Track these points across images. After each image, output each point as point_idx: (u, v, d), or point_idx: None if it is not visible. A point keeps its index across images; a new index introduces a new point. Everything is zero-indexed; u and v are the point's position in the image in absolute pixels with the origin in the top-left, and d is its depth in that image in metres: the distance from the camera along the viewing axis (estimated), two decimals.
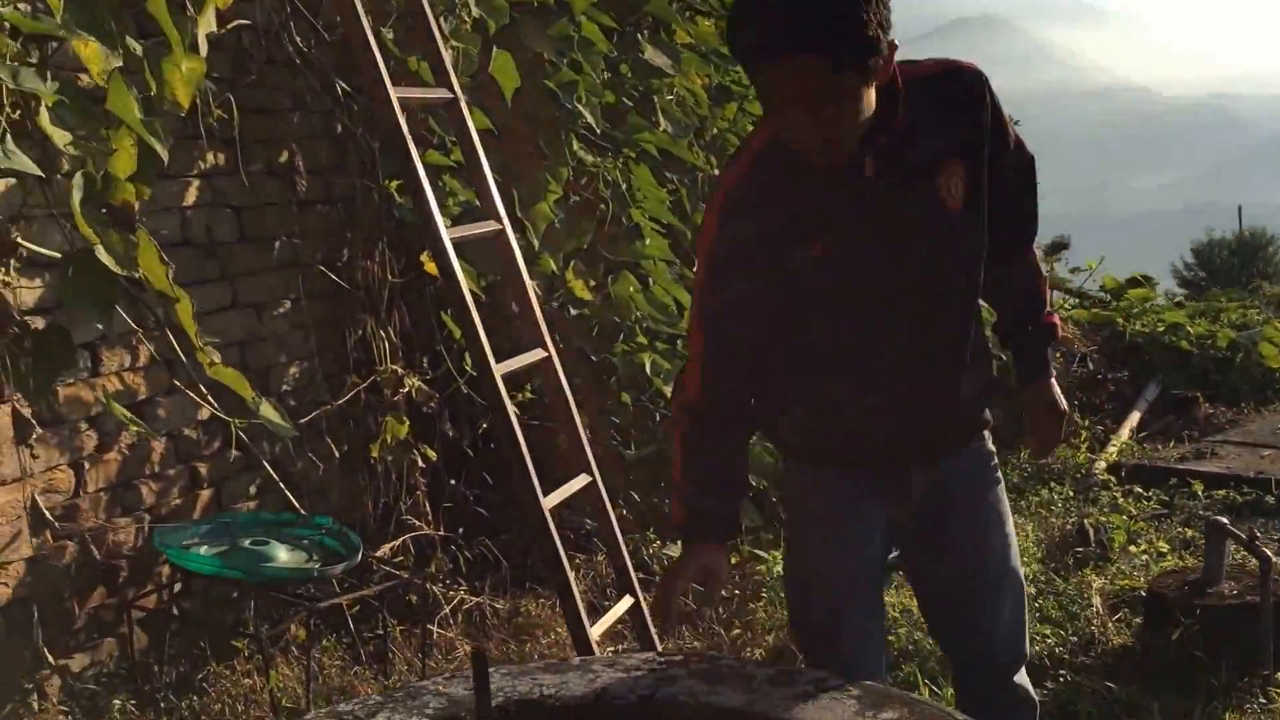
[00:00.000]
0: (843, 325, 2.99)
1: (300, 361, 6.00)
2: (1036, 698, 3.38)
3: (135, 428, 4.08)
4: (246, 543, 4.85)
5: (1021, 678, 3.33)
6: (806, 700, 2.65)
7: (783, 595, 6.13)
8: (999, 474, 3.24)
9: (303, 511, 5.32)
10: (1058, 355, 9.17)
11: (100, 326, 3.69)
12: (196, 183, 5.45)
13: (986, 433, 3.24)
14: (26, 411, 3.97)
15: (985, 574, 3.19)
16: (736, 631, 5.69)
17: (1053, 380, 3.25)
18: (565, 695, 2.84)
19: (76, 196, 3.79)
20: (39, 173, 3.73)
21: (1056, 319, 3.28)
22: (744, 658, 5.14)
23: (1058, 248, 13.83)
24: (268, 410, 4.80)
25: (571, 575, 4.87)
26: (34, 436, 4.12)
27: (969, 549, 3.19)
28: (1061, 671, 5.11)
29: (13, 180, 4.25)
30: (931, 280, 2.96)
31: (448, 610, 5.62)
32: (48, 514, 3.96)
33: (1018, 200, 3.11)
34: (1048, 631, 5.48)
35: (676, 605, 3.13)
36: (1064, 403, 3.25)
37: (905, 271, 2.93)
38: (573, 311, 6.87)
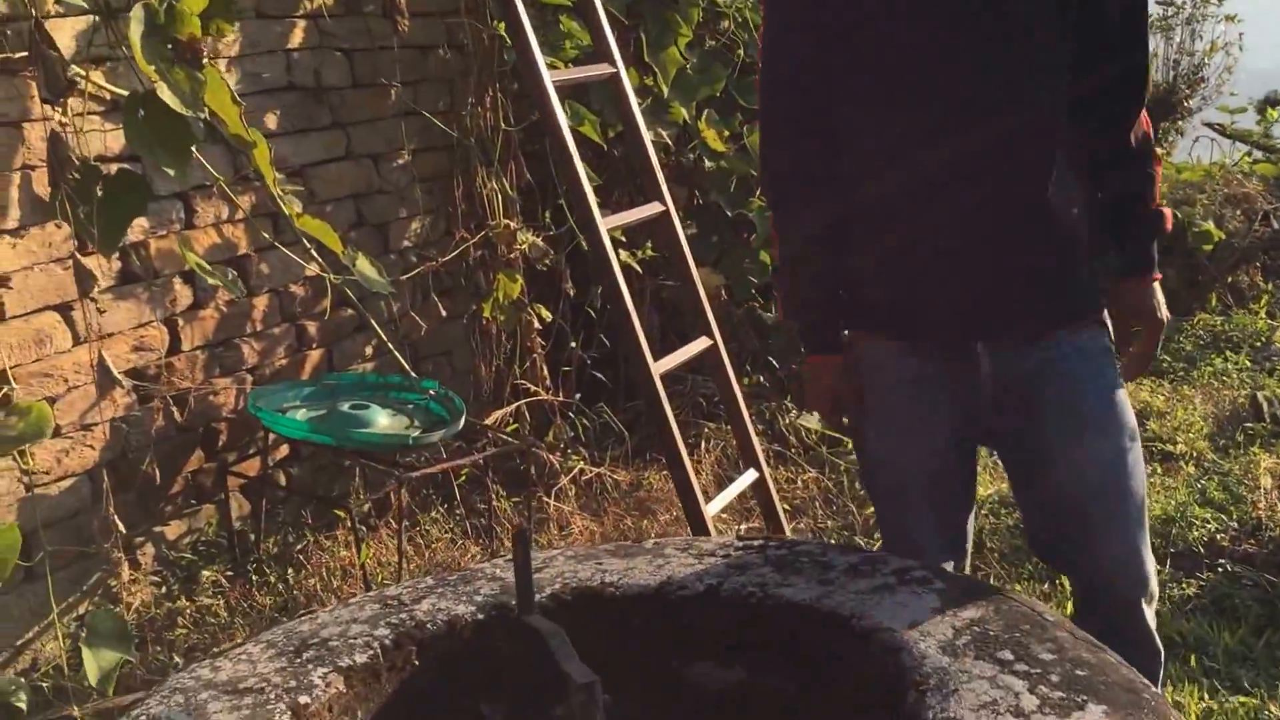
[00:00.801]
0: (898, 123, 2.67)
1: (421, 217, 5.83)
2: (1161, 647, 2.89)
3: (214, 280, 3.95)
4: (346, 407, 4.74)
5: (1144, 616, 2.82)
6: (883, 594, 2.33)
7: None
8: (1112, 371, 2.77)
9: (413, 375, 5.19)
10: (1237, 213, 8.33)
11: (173, 173, 3.51)
12: (302, 24, 5.24)
13: (1095, 320, 2.78)
14: (94, 263, 3.88)
15: (1089, 491, 2.75)
16: (869, 510, 5.37)
17: (1156, 281, 2.77)
18: (627, 584, 2.59)
19: (136, 31, 3.59)
20: (92, 7, 3.55)
21: (1168, 211, 2.80)
22: (838, 543, 4.81)
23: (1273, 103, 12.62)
24: (364, 265, 4.62)
25: (684, 448, 4.62)
26: (96, 290, 4.04)
27: (1069, 461, 2.75)
28: (1220, 561, 4.64)
29: (88, 18, 4.11)
30: (999, 80, 2.59)
31: (565, 481, 5.47)
32: (119, 377, 3.88)
33: (1120, 41, 2.69)
34: (1208, 515, 4.99)
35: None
36: (1165, 310, 2.78)
37: (967, 58, 2.59)
38: (706, 164, 6.49)
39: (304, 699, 2.21)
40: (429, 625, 2.49)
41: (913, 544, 2.93)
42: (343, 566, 4.60)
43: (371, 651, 2.39)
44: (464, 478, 5.27)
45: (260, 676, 2.29)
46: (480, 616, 2.52)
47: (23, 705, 3.59)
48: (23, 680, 3.75)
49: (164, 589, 4.41)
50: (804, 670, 2.39)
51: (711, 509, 4.69)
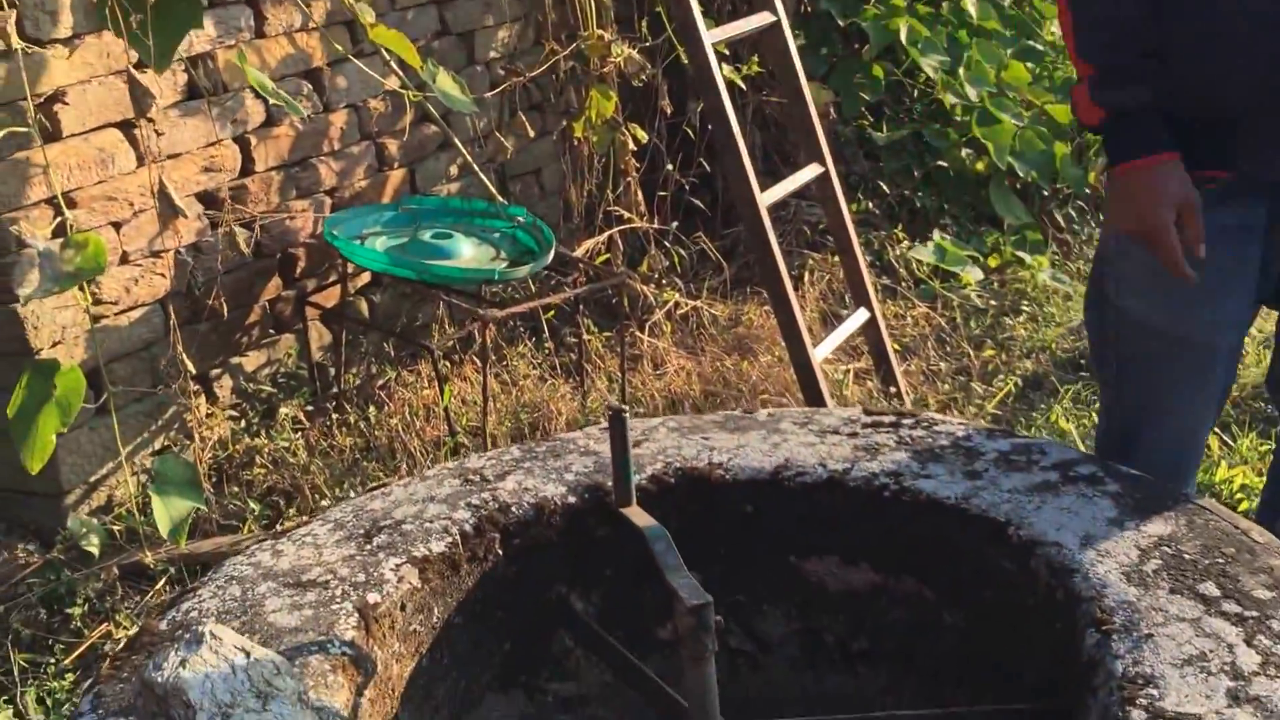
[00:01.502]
0: None
1: (509, 24, 5.38)
2: None
3: (275, 100, 3.60)
4: (428, 235, 4.42)
5: None
6: (1044, 495, 1.98)
7: (1046, 311, 5.36)
8: None
9: (500, 200, 4.83)
10: None
11: None
12: None
13: None
14: (152, 79, 3.54)
15: None
16: (989, 352, 4.98)
17: None
18: (738, 466, 2.27)
19: None
20: None
21: None
22: (979, 422, 4.44)
23: None
24: (444, 81, 4.22)
25: (790, 287, 4.24)
26: (156, 108, 3.71)
27: None
28: None
29: None
30: None
31: (660, 315, 5.13)
32: (180, 205, 3.58)
33: None
34: None
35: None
36: None
37: None
38: None
39: (373, 597, 1.95)
40: (514, 508, 2.20)
41: (1176, 431, 2.43)
42: (425, 405, 4.35)
43: (450, 539, 2.11)
44: (553, 312, 4.96)
45: (325, 566, 2.03)
46: (571, 500, 2.23)
47: (94, 549, 3.44)
48: (95, 522, 3.59)
49: (242, 423, 4.21)
50: (945, 581, 2.07)
51: (819, 353, 4.34)
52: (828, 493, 2.20)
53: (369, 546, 2.08)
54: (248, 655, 1.58)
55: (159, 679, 1.53)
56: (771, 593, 2.28)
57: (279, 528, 3.67)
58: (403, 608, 1.99)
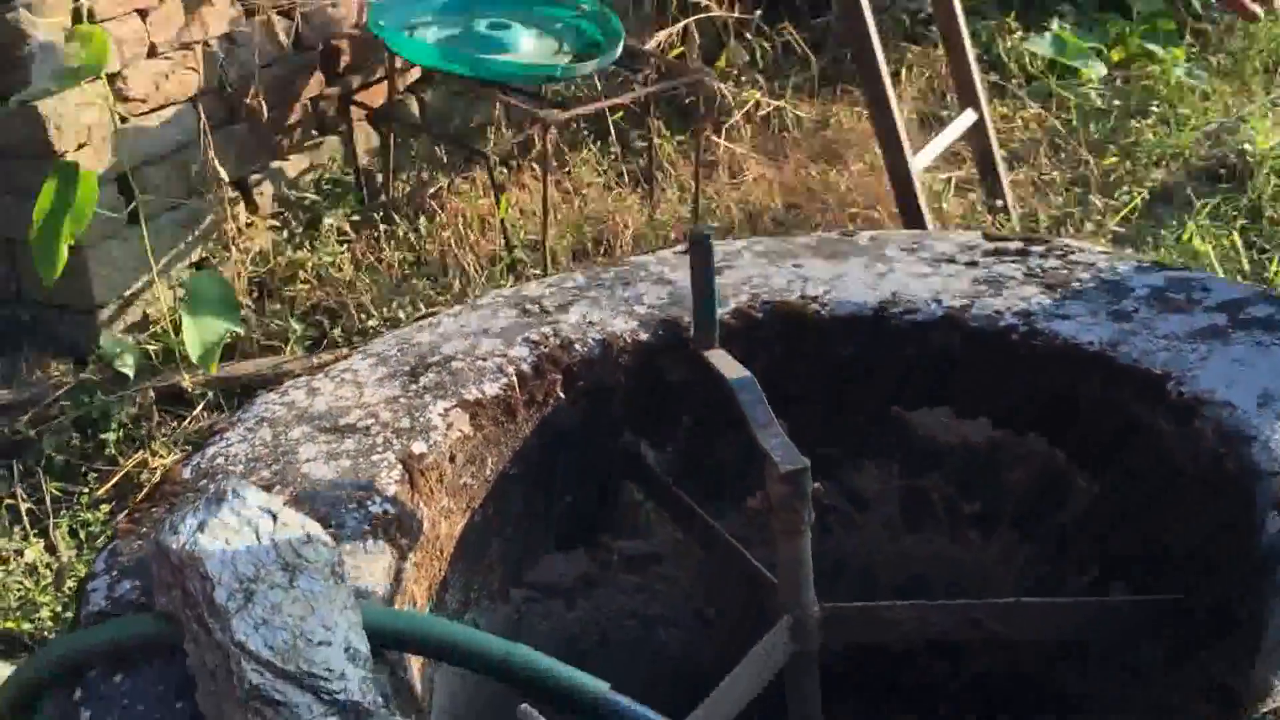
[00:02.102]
0: None
1: None
2: None
3: None
4: (484, 25, 4.14)
5: None
6: (1211, 342, 1.76)
7: (1179, 113, 4.97)
8: None
9: None
10: None
11: None
12: None
13: None
14: None
15: None
16: (1111, 160, 4.65)
17: None
18: (836, 301, 2.06)
19: None
20: None
21: None
22: (1133, 258, 4.15)
23: None
24: None
25: (889, 85, 3.94)
26: None
27: None
28: None
29: None
30: None
31: (739, 116, 4.84)
32: None
33: None
34: None
35: None
36: None
37: None
38: None
39: (419, 446, 1.79)
40: (578, 345, 2.01)
41: None
42: (480, 216, 4.15)
43: (505, 380, 1.94)
44: (621, 114, 4.69)
45: (366, 409, 1.86)
46: (643, 336, 2.04)
47: (128, 370, 3.33)
48: (129, 341, 3.48)
49: (284, 234, 4.04)
50: (1081, 442, 1.86)
51: (919, 161, 4.05)
52: (942, 334, 1.98)
53: (415, 386, 1.92)
54: (275, 519, 1.43)
55: (174, 545, 1.39)
56: (871, 446, 2.10)
57: (321, 353, 3.54)
58: (452, 459, 1.83)
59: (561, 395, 1.98)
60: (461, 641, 1.39)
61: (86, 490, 3.05)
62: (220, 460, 1.78)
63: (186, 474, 1.76)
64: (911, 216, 3.99)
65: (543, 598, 2.11)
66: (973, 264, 2.12)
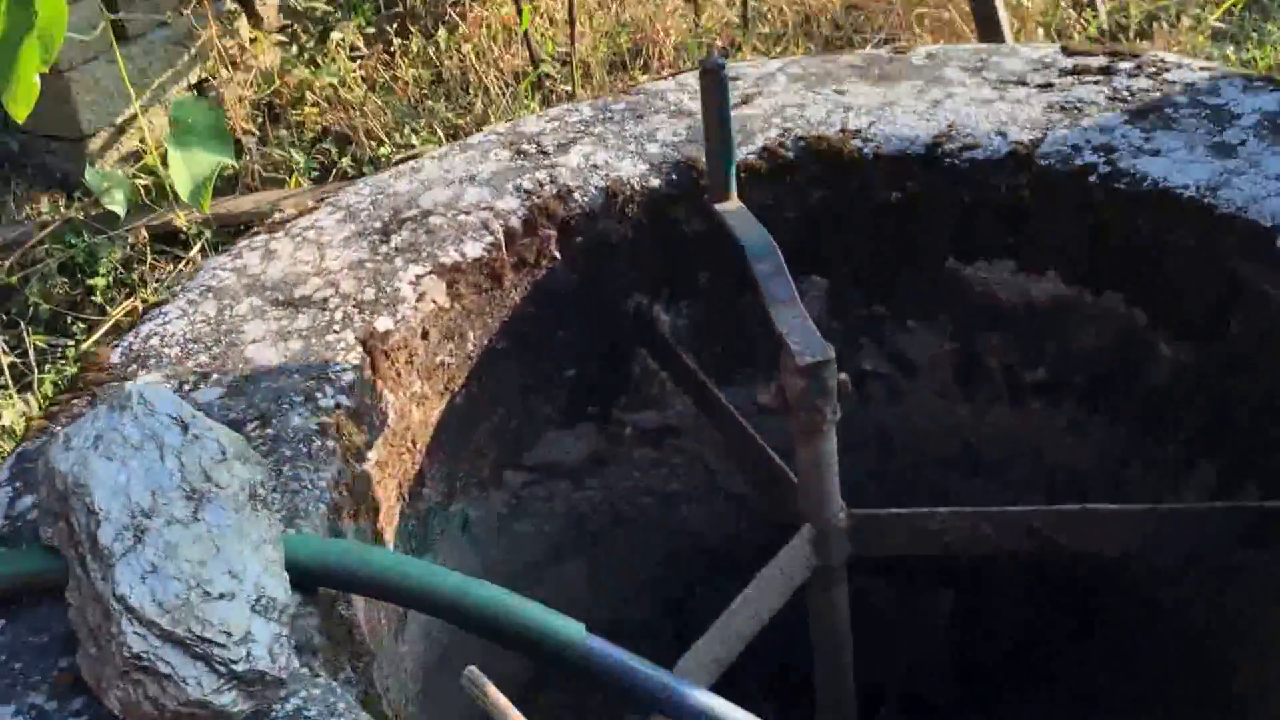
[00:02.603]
0: None
1: None
2: None
3: None
4: None
5: None
6: None
7: None
8: None
9: None
10: None
11: None
12: None
13: None
14: None
15: None
16: None
17: None
18: (882, 135, 1.77)
19: None
20: None
21: None
22: (1240, 70, 3.72)
23: None
24: None
25: None
26: None
27: None
28: None
29: None
30: None
31: None
32: None
33: None
34: None
35: None
36: None
37: None
38: None
39: (383, 322, 1.55)
40: (577, 194, 1.75)
41: None
42: (506, 26, 3.82)
43: (490, 239, 1.68)
44: None
45: (326, 277, 1.63)
46: (654, 182, 1.77)
47: (118, 208, 3.11)
48: (119, 174, 3.25)
49: (293, 49, 3.75)
50: (1169, 303, 1.59)
51: None
52: (1007, 174, 1.69)
53: (385, 249, 1.67)
54: (185, 431, 1.21)
55: (62, 466, 1.18)
56: (921, 304, 1.83)
57: (328, 184, 3.29)
58: (424, 335, 1.59)
59: (557, 255, 1.73)
60: (402, 577, 1.17)
61: (73, 343, 2.86)
62: (155, 341, 1.55)
63: (116, 358, 1.54)
64: (985, 14, 3.59)
65: (545, 479, 1.90)
66: (1046, 86, 1.81)
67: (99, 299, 2.95)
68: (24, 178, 3.35)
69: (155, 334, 1.57)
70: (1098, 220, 1.64)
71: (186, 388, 1.46)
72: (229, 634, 1.03)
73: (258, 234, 1.77)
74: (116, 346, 1.57)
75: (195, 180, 2.81)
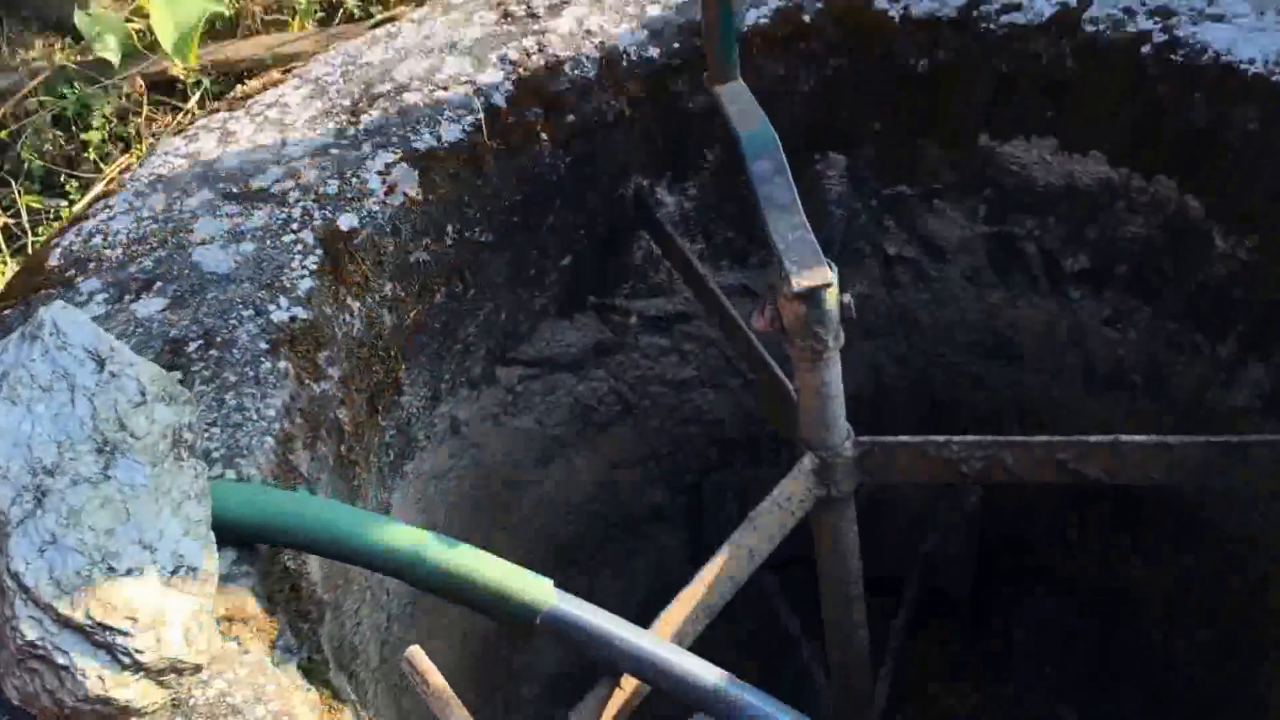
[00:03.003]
0: None
1: None
2: None
3: None
4: None
5: None
6: None
7: None
8: None
9: None
10: None
11: None
12: None
13: None
14: None
15: None
16: None
17: None
18: None
19: None
20: None
21: None
22: None
23: None
24: None
25: None
26: None
27: None
28: None
29: None
30: None
31: None
32: None
33: None
34: None
35: None
36: None
37: None
38: None
39: (347, 220, 1.42)
40: (568, 67, 1.58)
41: None
42: None
43: (470, 119, 1.53)
44: None
45: (286, 165, 1.48)
46: (653, 51, 1.59)
47: (111, 56, 2.95)
48: (113, 17, 3.07)
49: None
50: (1227, 189, 1.41)
51: None
52: (1049, 41, 1.50)
53: (353, 131, 1.52)
54: (101, 367, 1.09)
55: None
56: (952, 183, 1.66)
57: (335, 27, 3.10)
58: (394, 233, 1.45)
59: (545, 137, 1.57)
60: (346, 534, 1.06)
61: (67, 203, 2.74)
62: (98, 241, 1.43)
63: (54, 260, 1.42)
64: None
65: (544, 373, 1.78)
66: None
67: (93, 155, 2.82)
68: (17, 20, 3.19)
69: (98, 232, 1.44)
70: (1151, 96, 1.45)
71: (127, 298, 1.34)
72: (134, 619, 0.93)
73: (216, 112, 1.62)
74: (56, 246, 1.44)
75: (180, 29, 2.65)
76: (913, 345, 1.89)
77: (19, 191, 2.73)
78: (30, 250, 2.62)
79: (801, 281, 1.09)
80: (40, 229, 2.68)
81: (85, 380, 1.07)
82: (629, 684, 1.14)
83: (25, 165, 2.80)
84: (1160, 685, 1.94)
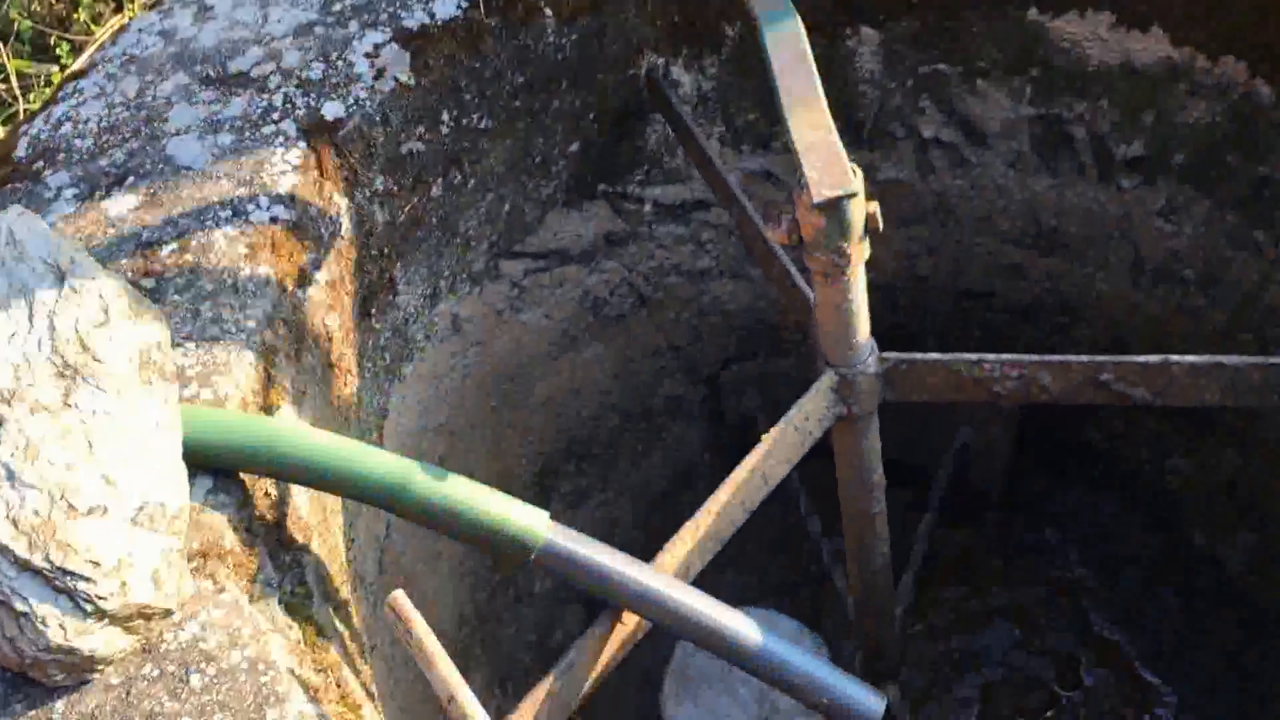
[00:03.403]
0: None
1: None
2: None
3: None
4: None
5: None
6: None
7: None
8: None
9: None
10: None
11: None
12: None
13: None
14: None
15: None
16: None
17: None
18: None
19: None
20: None
21: None
22: None
23: None
24: None
25: None
26: None
27: None
28: None
29: None
30: None
31: None
32: None
33: None
34: None
35: None
36: None
37: None
38: None
39: (333, 109, 1.32)
40: None
41: None
42: None
43: None
44: None
45: (267, 46, 1.38)
46: None
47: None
48: None
49: None
50: None
51: None
52: None
53: (339, 6, 1.41)
54: (61, 281, 1.00)
55: None
56: (996, 61, 1.55)
57: None
58: (383, 121, 1.35)
59: (549, 12, 1.46)
60: (329, 464, 0.99)
61: (58, 68, 2.63)
62: (68, 129, 1.34)
63: (21, 151, 1.33)
64: None
65: (552, 265, 1.69)
66: None
67: (84, 15, 2.70)
68: None
69: (68, 119, 1.35)
70: None
71: (98, 194, 1.26)
72: (97, 563, 0.87)
73: None
74: (24, 135, 1.36)
75: None
76: (947, 234, 1.80)
77: (8, 56, 2.62)
78: (21, 116, 2.52)
79: (823, 191, 1.00)
80: (31, 95, 2.58)
81: (44, 296, 1.00)
82: (631, 618, 1.09)
83: (14, 27, 2.69)
84: (1200, 589, 1.89)
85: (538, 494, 1.91)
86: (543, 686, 1.03)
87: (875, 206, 1.05)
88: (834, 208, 1.01)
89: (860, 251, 1.06)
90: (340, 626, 1.08)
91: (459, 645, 1.73)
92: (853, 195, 1.00)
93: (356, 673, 1.04)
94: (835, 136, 1.04)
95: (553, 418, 1.86)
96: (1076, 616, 1.92)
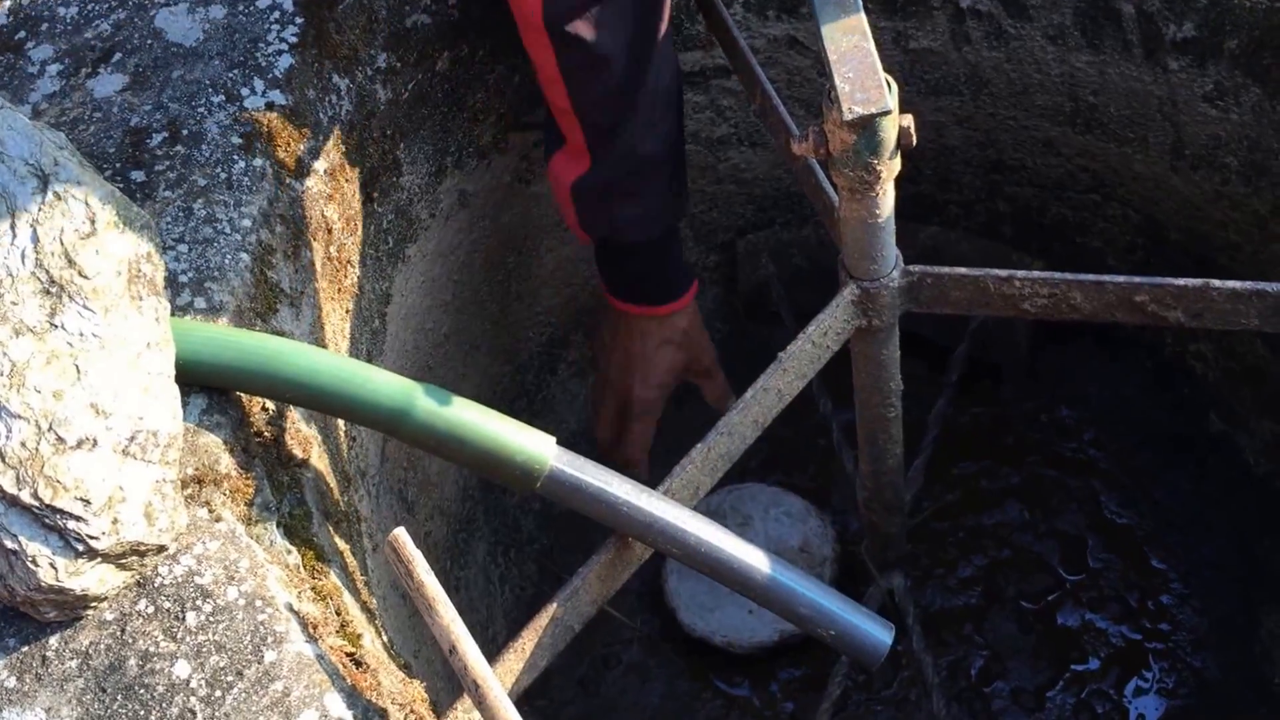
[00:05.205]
0: None
1: None
2: None
3: None
4: None
5: None
6: None
7: None
8: None
9: None
10: None
11: None
12: None
13: None
14: None
15: None
16: None
17: None
18: None
19: None
20: None
21: None
22: None
23: None
24: None
25: None
26: None
27: None
28: None
29: None
30: None
31: None
32: None
33: None
34: None
35: None
36: None
37: None
38: None
39: None
40: None
41: None
42: None
43: None
44: None
45: None
46: None
47: None
48: None
49: None
50: None
51: None
52: None
53: None
54: (45, 187, 0.95)
55: None
56: None
57: None
58: None
59: None
60: (325, 384, 0.96)
61: None
62: None
63: (2, 19, 1.27)
64: None
65: None
66: None
67: None
68: None
69: None
70: None
71: (84, 71, 1.20)
72: (87, 500, 0.85)
73: None
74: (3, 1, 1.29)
75: None
76: (980, 106, 1.73)
77: None
78: None
79: (854, 108, 0.94)
80: None
81: (26, 203, 0.95)
82: (637, 545, 1.07)
83: None
84: (1215, 474, 1.88)
85: (545, 363, 1.89)
86: (545, 613, 1.03)
87: (910, 120, 1.00)
88: (865, 125, 0.96)
89: (891, 169, 1.01)
90: (341, 543, 1.07)
91: (462, 518, 1.73)
92: (887, 113, 0.95)
93: (356, 594, 1.03)
94: (871, 44, 0.98)
95: (561, 288, 1.83)
96: (1087, 498, 1.91)
